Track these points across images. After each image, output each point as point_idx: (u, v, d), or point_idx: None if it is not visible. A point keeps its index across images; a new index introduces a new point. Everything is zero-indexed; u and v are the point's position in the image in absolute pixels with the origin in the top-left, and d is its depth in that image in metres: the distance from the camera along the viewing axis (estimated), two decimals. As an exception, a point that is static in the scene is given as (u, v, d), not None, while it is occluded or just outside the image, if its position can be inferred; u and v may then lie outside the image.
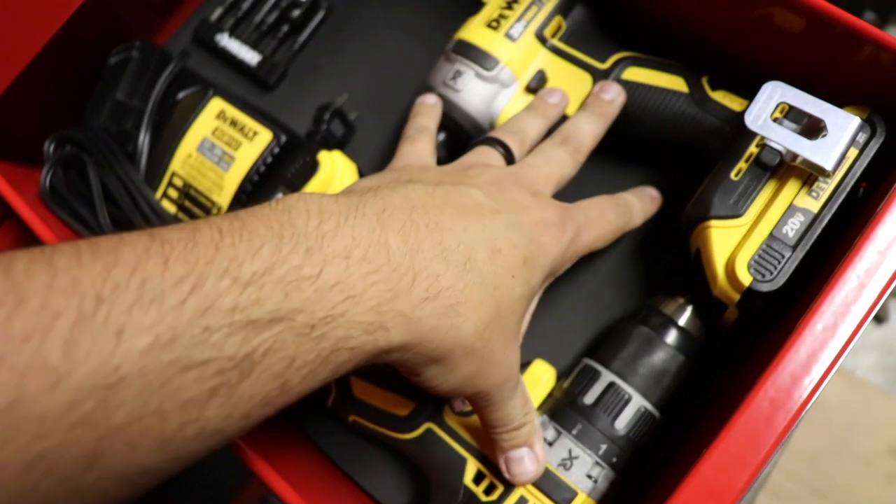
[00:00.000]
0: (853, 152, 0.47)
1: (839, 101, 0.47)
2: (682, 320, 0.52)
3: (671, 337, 0.51)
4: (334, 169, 0.56)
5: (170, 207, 0.63)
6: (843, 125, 0.45)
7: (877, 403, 1.31)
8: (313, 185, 0.55)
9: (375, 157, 0.66)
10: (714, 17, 0.55)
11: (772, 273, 0.47)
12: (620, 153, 0.61)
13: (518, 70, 0.58)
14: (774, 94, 0.48)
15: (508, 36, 0.57)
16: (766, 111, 0.48)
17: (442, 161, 0.61)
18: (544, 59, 0.58)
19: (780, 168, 0.49)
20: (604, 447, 0.49)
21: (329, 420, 0.58)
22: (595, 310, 0.58)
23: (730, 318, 0.51)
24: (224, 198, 0.61)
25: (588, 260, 0.59)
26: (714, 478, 0.39)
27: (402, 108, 0.66)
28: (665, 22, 0.58)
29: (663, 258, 0.58)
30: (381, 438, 0.54)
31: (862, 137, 0.47)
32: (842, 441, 1.26)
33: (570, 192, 0.61)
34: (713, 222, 0.49)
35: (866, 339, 1.47)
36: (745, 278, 0.47)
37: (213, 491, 1.49)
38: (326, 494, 0.52)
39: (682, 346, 0.51)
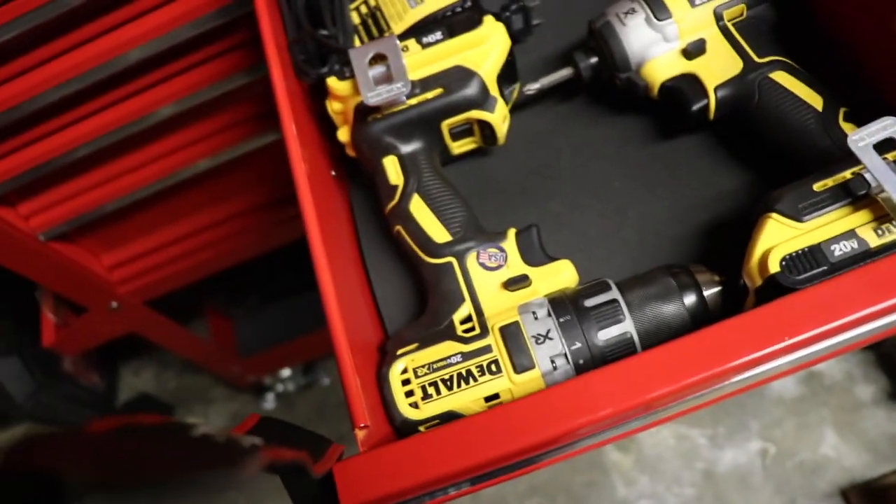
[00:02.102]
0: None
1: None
2: (707, 293, 0.55)
3: (690, 299, 0.54)
4: (492, 33, 0.62)
5: (355, 18, 0.72)
6: (938, 180, 0.47)
7: None
8: (467, 38, 0.62)
9: (536, 65, 0.72)
10: (885, 65, 0.57)
11: (799, 274, 0.49)
12: (737, 143, 0.65)
13: (684, 31, 0.62)
14: (890, 127, 0.50)
15: (690, 1, 0.62)
16: (872, 138, 0.50)
17: (585, 82, 0.67)
18: (710, 33, 0.62)
19: (862, 199, 0.50)
20: (577, 345, 0.52)
21: (379, 226, 0.66)
22: (645, 257, 0.62)
23: (747, 308, 0.53)
24: (399, 28, 0.69)
25: (657, 217, 0.63)
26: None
27: (578, 33, 0.71)
28: (840, 48, 0.61)
29: (730, 240, 0.59)
30: (410, 256, 0.61)
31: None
32: None
33: (677, 163, 0.65)
34: (775, 215, 0.52)
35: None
36: (773, 267, 0.49)
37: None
38: (344, 273, 0.59)
39: (695, 313, 0.54)
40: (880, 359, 1.56)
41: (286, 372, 1.68)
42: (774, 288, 0.50)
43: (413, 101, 0.61)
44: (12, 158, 0.98)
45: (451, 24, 0.63)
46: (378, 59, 0.62)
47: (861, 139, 0.50)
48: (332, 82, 0.64)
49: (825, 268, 0.49)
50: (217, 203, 1.13)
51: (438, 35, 0.63)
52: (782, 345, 0.42)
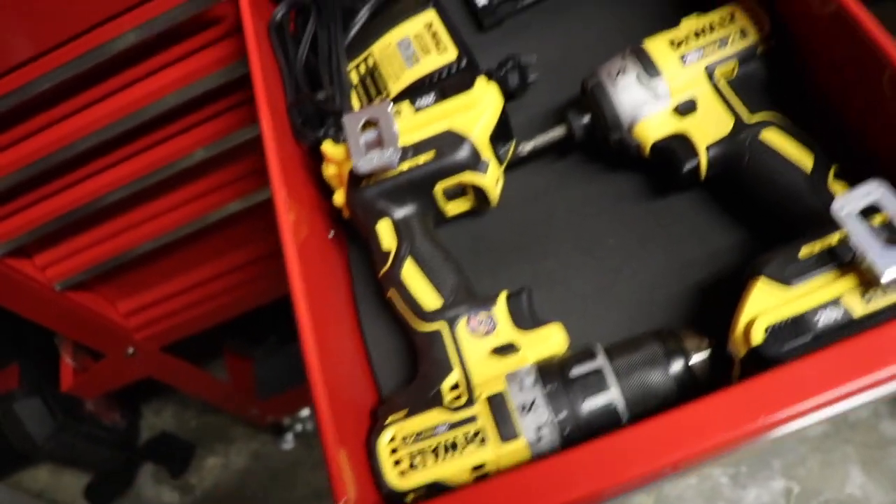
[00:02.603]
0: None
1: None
2: (694, 359, 0.54)
3: (675, 367, 0.54)
4: (484, 95, 0.63)
5: (354, 77, 0.74)
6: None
7: None
8: (458, 101, 0.63)
9: (534, 121, 0.73)
10: (874, 123, 0.57)
11: (781, 345, 0.48)
12: (732, 200, 0.64)
13: (675, 90, 0.62)
14: (874, 192, 0.49)
15: (682, 59, 0.62)
16: (857, 204, 0.49)
17: (578, 141, 0.67)
18: (702, 91, 0.62)
19: (848, 265, 0.50)
20: (563, 414, 0.52)
21: (376, 288, 0.66)
22: (639, 314, 0.62)
23: (734, 377, 0.53)
24: (396, 87, 0.71)
25: (651, 275, 0.63)
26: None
27: (575, 87, 0.71)
28: (831, 105, 0.61)
29: (725, 299, 0.58)
30: (402, 320, 0.61)
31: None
32: None
33: (671, 220, 0.65)
34: (762, 279, 0.51)
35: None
36: (757, 338, 0.49)
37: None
38: (335, 337, 0.60)
39: (682, 380, 0.53)
40: (907, 395, 1.53)
41: (305, 412, 1.69)
42: (758, 358, 0.49)
43: (405, 166, 0.62)
44: (31, 212, 1.00)
45: (443, 86, 0.64)
46: (371, 124, 0.63)
47: (844, 206, 0.49)
48: (327, 146, 0.65)
49: (808, 339, 0.48)
50: (233, 250, 1.15)
51: (431, 98, 0.64)
52: (759, 424, 0.42)
